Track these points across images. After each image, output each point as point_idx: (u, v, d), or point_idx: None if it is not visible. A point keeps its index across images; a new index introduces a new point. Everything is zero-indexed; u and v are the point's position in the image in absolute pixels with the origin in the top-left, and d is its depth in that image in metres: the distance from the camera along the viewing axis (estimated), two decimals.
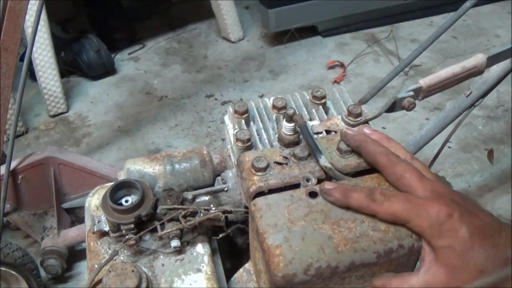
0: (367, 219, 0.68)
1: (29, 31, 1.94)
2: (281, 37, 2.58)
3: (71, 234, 1.53)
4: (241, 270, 0.79)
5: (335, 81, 2.33)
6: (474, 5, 1.03)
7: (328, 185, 0.70)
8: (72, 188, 1.58)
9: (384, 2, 2.59)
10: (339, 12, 2.56)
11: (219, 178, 0.87)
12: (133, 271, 0.71)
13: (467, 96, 1.12)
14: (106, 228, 0.78)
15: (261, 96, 2.28)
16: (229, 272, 0.84)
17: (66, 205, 1.61)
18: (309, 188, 0.71)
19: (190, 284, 0.74)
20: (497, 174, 1.88)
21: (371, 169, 0.75)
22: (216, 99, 2.28)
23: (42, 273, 1.51)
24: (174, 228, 0.76)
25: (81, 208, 1.60)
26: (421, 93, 0.87)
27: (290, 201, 0.70)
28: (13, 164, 1.47)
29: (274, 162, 0.76)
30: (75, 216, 1.64)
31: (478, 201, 1.79)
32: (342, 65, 2.42)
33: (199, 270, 0.76)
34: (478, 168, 1.91)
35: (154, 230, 0.77)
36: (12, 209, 1.52)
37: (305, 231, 0.66)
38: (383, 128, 2.05)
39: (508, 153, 1.95)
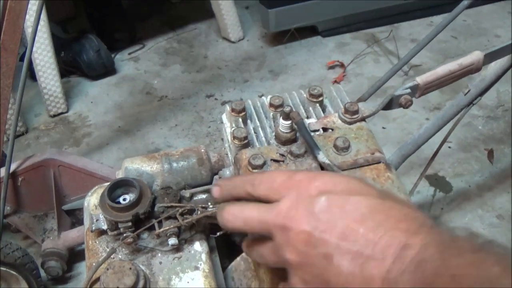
0: None
1: (29, 31, 1.94)
2: (281, 37, 2.58)
3: (72, 235, 1.53)
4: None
5: (335, 81, 2.33)
6: (472, 5, 1.03)
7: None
8: (72, 189, 1.58)
9: (384, 2, 2.59)
10: (339, 12, 2.55)
11: (216, 176, 0.87)
12: (130, 269, 0.71)
13: (465, 94, 1.12)
14: (104, 227, 0.78)
15: (261, 96, 2.28)
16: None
17: (66, 207, 1.62)
18: None
19: (188, 282, 0.74)
20: (497, 174, 1.88)
21: (368, 165, 0.75)
22: (216, 99, 2.28)
23: (42, 273, 1.51)
24: (171, 226, 0.76)
25: (81, 209, 1.59)
26: (418, 91, 0.87)
27: None
28: (13, 166, 1.47)
29: (271, 160, 0.77)
30: (75, 217, 1.64)
31: (478, 201, 1.79)
32: (342, 65, 2.42)
33: (196, 268, 0.76)
34: (478, 168, 1.90)
35: (152, 228, 0.77)
36: (12, 211, 1.52)
37: None
38: (383, 128, 2.05)
39: (508, 153, 1.95)
